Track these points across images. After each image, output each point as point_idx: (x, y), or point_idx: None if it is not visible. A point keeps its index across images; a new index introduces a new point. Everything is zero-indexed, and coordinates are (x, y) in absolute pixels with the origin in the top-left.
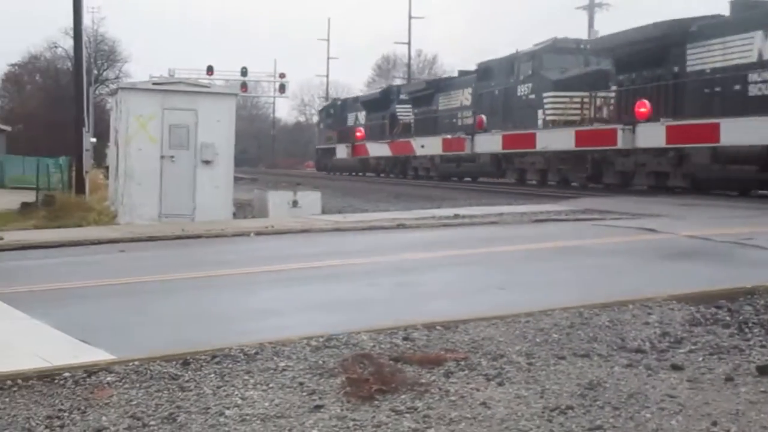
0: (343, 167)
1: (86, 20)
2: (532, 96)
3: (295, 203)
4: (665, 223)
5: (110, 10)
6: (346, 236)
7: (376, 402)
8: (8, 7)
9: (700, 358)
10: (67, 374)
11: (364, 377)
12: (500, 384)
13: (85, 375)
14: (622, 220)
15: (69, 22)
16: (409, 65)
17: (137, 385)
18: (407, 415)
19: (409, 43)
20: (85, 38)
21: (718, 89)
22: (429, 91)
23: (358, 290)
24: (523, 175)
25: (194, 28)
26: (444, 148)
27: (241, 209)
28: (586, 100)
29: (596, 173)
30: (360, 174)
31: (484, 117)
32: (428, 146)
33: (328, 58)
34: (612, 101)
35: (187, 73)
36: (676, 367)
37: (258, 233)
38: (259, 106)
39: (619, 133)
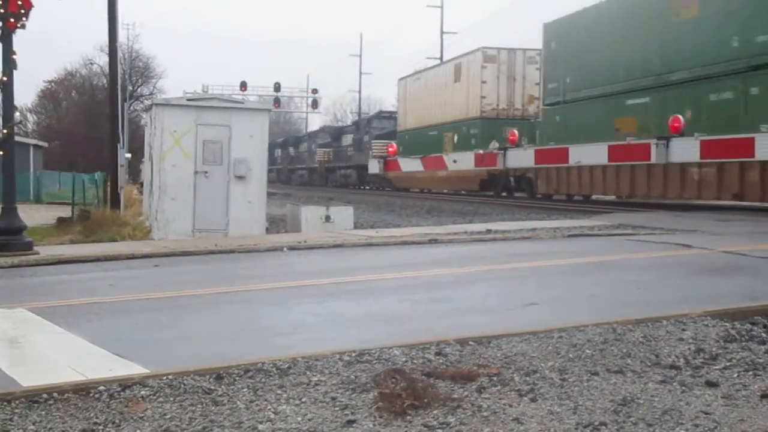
0: (376, 183)
1: (121, 37)
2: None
3: (327, 218)
4: (700, 238)
5: (145, 27)
6: (379, 251)
7: (409, 417)
8: (45, 24)
9: (735, 375)
10: (102, 388)
11: (397, 392)
12: (533, 400)
13: (119, 389)
14: (656, 235)
15: (104, 39)
16: None
17: (171, 399)
18: (439, 431)
19: (441, 58)
20: (120, 55)
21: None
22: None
23: (390, 305)
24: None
25: (228, 44)
26: (476, 163)
27: (274, 224)
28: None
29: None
30: (390, 189)
31: (516, 131)
32: (461, 161)
33: (360, 74)
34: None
35: (220, 88)
36: (710, 384)
37: (291, 248)
38: (292, 122)
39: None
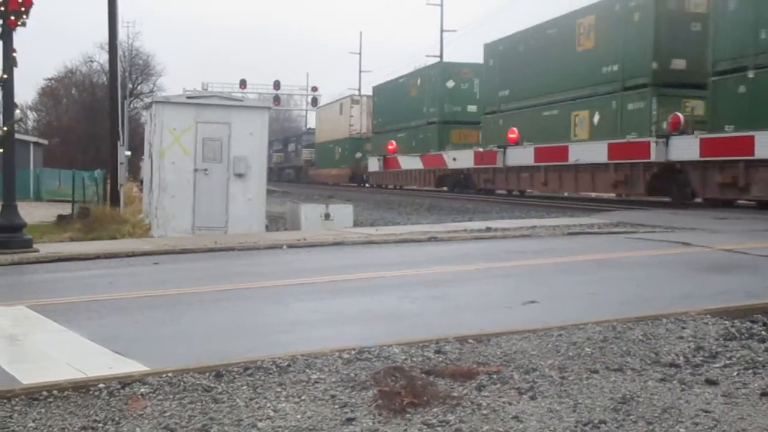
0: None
1: (121, 35)
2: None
3: (327, 216)
4: (699, 236)
5: (145, 24)
6: (379, 249)
7: (408, 415)
8: (45, 22)
9: (735, 373)
10: (101, 385)
11: (396, 390)
12: (532, 398)
13: (119, 386)
14: (656, 233)
15: (104, 36)
16: None
17: (171, 396)
18: (439, 429)
19: (441, 57)
20: (120, 52)
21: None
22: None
23: (390, 303)
24: None
25: (228, 42)
26: (476, 161)
27: (274, 222)
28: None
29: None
30: (391, 187)
31: (516, 129)
32: (460, 159)
33: (360, 72)
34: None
35: (220, 86)
36: (710, 382)
37: (291, 246)
38: (291, 119)
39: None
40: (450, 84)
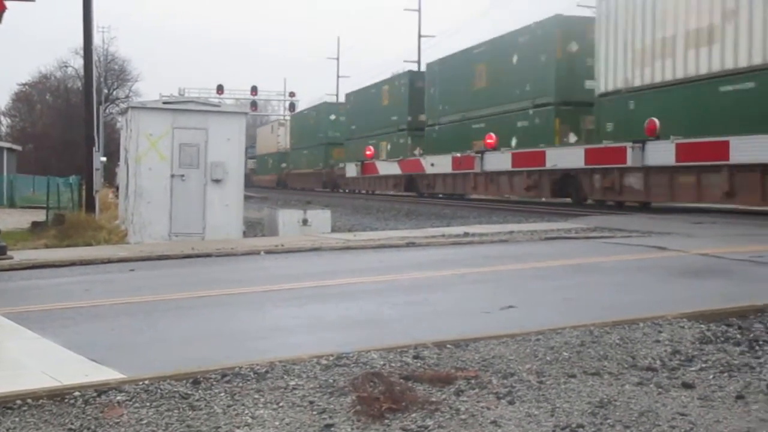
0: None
1: (96, 40)
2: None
3: (305, 222)
4: (676, 240)
5: (120, 30)
6: (357, 254)
7: (387, 421)
8: (19, 26)
9: (711, 376)
10: (77, 393)
11: (375, 396)
12: (511, 402)
13: (95, 394)
14: (633, 237)
15: (79, 41)
16: None
17: (147, 404)
18: None
19: (419, 62)
20: (95, 57)
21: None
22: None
23: (369, 309)
24: None
25: (204, 47)
26: (453, 166)
27: (252, 228)
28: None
29: None
30: (369, 192)
31: (494, 135)
32: (438, 164)
33: (338, 77)
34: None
35: (197, 92)
36: (687, 385)
37: (268, 252)
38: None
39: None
40: (332, 117)
